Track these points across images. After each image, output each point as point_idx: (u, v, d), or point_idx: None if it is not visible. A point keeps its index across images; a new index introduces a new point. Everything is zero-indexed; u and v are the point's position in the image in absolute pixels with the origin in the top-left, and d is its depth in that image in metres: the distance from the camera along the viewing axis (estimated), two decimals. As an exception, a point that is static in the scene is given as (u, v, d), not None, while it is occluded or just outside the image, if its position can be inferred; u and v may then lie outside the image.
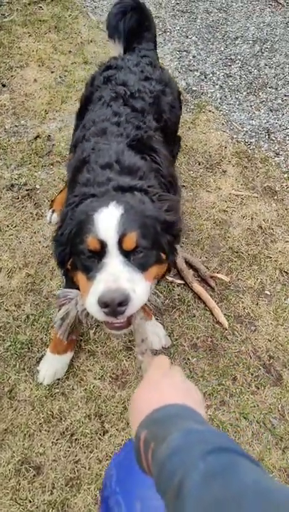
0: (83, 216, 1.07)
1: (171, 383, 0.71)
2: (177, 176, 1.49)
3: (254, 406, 1.58)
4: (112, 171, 1.20)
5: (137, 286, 0.99)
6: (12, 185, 2.06)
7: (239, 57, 2.98)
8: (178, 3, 3.39)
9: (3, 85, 2.53)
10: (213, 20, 3.25)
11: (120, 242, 0.98)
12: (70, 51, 2.81)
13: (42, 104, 2.45)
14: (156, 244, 1.08)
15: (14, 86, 2.54)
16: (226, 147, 2.43)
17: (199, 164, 2.32)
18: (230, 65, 2.92)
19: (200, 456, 0.52)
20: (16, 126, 2.34)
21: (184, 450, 0.54)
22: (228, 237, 2.04)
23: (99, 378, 1.59)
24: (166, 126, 1.56)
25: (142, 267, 1.02)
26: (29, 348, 1.64)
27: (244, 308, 1.82)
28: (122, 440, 1.48)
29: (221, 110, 2.66)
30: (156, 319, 1.72)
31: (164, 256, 1.12)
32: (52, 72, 2.66)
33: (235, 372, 1.65)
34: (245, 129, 2.55)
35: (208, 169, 2.31)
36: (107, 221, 1.00)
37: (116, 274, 0.97)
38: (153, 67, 1.65)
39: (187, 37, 3.09)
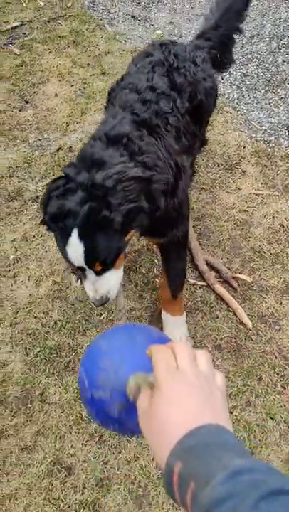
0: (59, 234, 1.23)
1: (184, 387, 0.59)
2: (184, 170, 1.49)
3: (281, 406, 1.57)
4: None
5: (111, 279, 1.27)
6: (37, 197, 2.15)
7: (256, 55, 2.96)
8: (192, 8, 3.42)
9: (27, 102, 2.64)
10: (228, 21, 3.25)
11: (90, 267, 1.22)
12: (88, 64, 2.90)
13: (63, 117, 2.54)
14: (117, 245, 1.23)
15: (37, 102, 2.64)
16: (244, 147, 2.42)
17: (218, 166, 2.33)
18: (247, 64, 2.90)
19: (253, 504, 0.46)
20: (39, 140, 2.44)
21: (234, 497, 0.47)
22: (250, 237, 2.04)
23: (125, 381, 1.63)
24: (198, 110, 1.58)
25: (112, 265, 1.25)
26: (57, 353, 1.70)
27: (268, 308, 1.81)
28: (149, 441, 1.51)
29: (238, 110, 2.66)
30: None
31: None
32: (72, 85, 2.75)
33: (261, 372, 1.65)
34: (264, 127, 2.53)
35: (228, 170, 2.31)
36: (76, 256, 1.20)
37: (94, 287, 1.26)
38: (204, 62, 1.70)
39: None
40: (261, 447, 1.50)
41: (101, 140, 1.29)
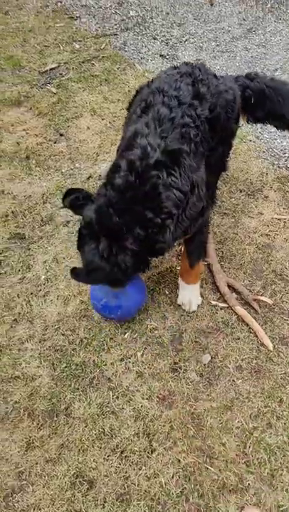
0: None
1: None
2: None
3: (302, 429, 1.56)
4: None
5: None
6: (68, 222, 2.29)
7: (279, 87, 3.07)
8: (218, 45, 3.61)
9: (61, 135, 2.85)
10: (252, 56, 3.41)
11: None
12: (118, 99, 3.10)
13: (94, 148, 2.72)
14: None
15: (70, 134, 2.84)
16: (267, 174, 2.50)
17: (241, 192, 2.41)
18: (270, 96, 3.01)
19: None
20: (71, 169, 2.61)
21: None
22: (271, 260, 2.08)
23: (146, 398, 1.68)
24: (217, 120, 1.70)
25: None
26: (82, 370, 1.78)
27: (289, 330, 1.83)
28: (170, 459, 1.54)
29: (261, 139, 2.75)
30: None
31: None
32: (103, 119, 2.94)
33: (282, 394, 1.65)
34: (287, 154, 2.61)
35: (250, 196, 2.38)
36: None
37: None
38: (225, 78, 1.87)
39: (227, 73, 3.26)
40: (282, 470, 1.49)
41: None
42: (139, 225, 1.45)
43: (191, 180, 1.52)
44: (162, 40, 3.75)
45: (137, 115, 1.63)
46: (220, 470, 1.51)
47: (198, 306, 1.93)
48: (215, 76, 1.80)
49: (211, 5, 4.25)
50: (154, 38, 3.78)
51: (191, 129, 1.56)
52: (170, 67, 1.90)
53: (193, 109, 1.60)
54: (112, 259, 1.47)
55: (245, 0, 4.32)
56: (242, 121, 2.04)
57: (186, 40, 3.77)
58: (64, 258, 2.16)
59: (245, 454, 1.54)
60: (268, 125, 2.65)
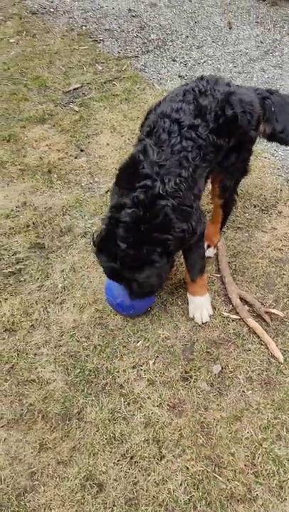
0: None
1: None
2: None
3: (312, 442, 1.56)
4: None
5: None
6: (85, 233, 2.38)
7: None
8: (235, 66, 3.72)
9: (82, 150, 2.97)
10: (268, 77, 3.50)
11: None
12: (137, 117, 3.22)
13: (112, 163, 2.82)
14: None
15: (90, 150, 2.96)
16: (281, 190, 2.54)
17: (255, 207, 2.46)
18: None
19: None
20: (90, 183, 2.71)
21: None
22: (284, 274, 2.10)
23: (157, 406, 1.71)
24: (227, 125, 1.79)
25: None
26: (95, 375, 1.82)
27: (301, 343, 1.84)
28: (178, 466, 1.56)
29: (276, 156, 2.81)
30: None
31: None
32: (122, 136, 3.06)
33: (292, 406, 1.66)
34: (301, 172, 2.65)
35: (264, 211, 2.43)
36: None
37: None
38: (240, 86, 1.97)
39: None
40: (291, 482, 1.49)
41: None
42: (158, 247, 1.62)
43: (192, 195, 1.66)
44: (181, 62, 3.89)
45: (140, 139, 1.77)
46: (228, 479, 1.52)
47: (210, 317, 1.96)
48: (228, 84, 1.89)
49: (230, 28, 4.39)
50: (174, 60, 3.92)
51: (189, 153, 1.67)
52: (179, 85, 1.99)
53: (193, 131, 1.71)
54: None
55: (262, 23, 4.45)
56: (260, 132, 2.07)
57: (205, 61, 3.90)
58: (81, 267, 2.23)
59: (254, 465, 1.54)
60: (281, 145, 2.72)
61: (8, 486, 1.53)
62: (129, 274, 1.63)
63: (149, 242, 1.61)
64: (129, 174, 1.69)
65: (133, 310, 1.92)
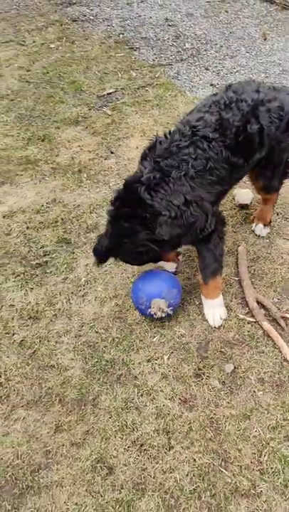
0: None
1: None
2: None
3: None
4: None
5: None
6: (110, 231, 2.47)
7: None
8: (267, 77, 3.76)
9: (112, 152, 3.08)
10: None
11: None
12: (167, 122, 3.31)
13: (140, 166, 2.91)
14: None
15: (120, 153, 3.07)
16: (305, 199, 2.57)
17: (277, 214, 2.49)
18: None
19: None
20: (118, 183, 2.81)
21: None
22: (302, 281, 2.13)
23: (169, 399, 1.77)
24: (248, 140, 1.82)
25: None
26: (112, 366, 1.90)
27: (315, 349, 1.86)
28: (186, 457, 1.61)
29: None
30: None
31: None
32: (151, 140, 3.15)
33: (301, 409, 1.69)
34: None
35: (286, 219, 2.46)
36: None
37: None
38: (270, 89, 1.94)
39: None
40: (295, 482, 1.52)
41: None
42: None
43: (183, 196, 1.71)
44: (214, 71, 3.97)
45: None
46: (234, 474, 1.56)
47: (226, 318, 2.01)
48: (257, 91, 1.89)
49: (265, 39, 4.44)
50: (207, 69, 4.01)
51: (192, 159, 1.73)
52: (210, 95, 2.05)
53: (206, 142, 1.75)
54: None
55: (298, 35, 4.48)
56: None
57: (237, 71, 3.96)
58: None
59: (260, 463, 1.58)
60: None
61: (24, 462, 1.62)
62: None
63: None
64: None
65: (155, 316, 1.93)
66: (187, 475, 1.56)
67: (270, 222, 2.36)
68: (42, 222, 2.53)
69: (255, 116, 1.84)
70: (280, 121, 1.89)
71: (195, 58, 4.17)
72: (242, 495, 1.51)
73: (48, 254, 2.37)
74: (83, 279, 2.26)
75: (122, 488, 1.54)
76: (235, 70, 3.97)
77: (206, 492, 1.52)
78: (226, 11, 5.02)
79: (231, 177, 1.90)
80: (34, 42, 4.34)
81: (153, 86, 3.73)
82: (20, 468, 1.60)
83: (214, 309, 1.98)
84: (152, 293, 1.88)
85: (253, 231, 2.39)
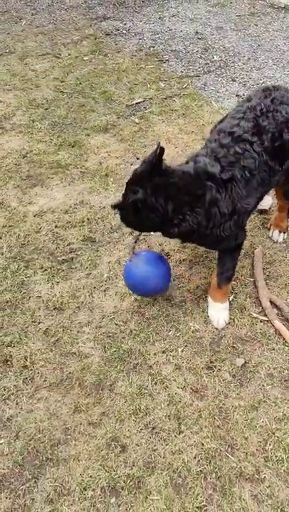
0: None
1: None
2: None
3: None
4: None
5: None
6: (132, 232, 2.62)
7: None
8: None
9: (138, 158, 3.24)
10: None
11: None
12: (192, 131, 3.45)
13: (164, 171, 3.06)
14: None
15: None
16: None
17: (295, 219, 2.56)
18: None
19: None
20: (142, 188, 2.97)
21: None
22: (316, 284, 2.20)
23: (181, 388, 1.88)
24: (282, 147, 1.87)
25: None
26: (129, 355, 2.03)
27: None
28: (194, 442, 1.71)
29: None
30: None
31: None
32: (176, 147, 3.30)
33: (308, 403, 1.76)
34: None
35: (304, 225, 2.53)
36: None
37: None
38: None
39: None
40: (298, 470, 1.59)
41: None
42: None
43: (234, 205, 1.76)
44: (240, 82, 4.09)
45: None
46: (239, 460, 1.65)
47: (239, 317, 2.10)
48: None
49: (292, 52, 4.53)
50: (233, 80, 4.13)
51: (243, 158, 1.78)
52: (243, 99, 2.10)
53: (248, 144, 1.81)
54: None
55: None
56: None
57: (263, 82, 4.06)
58: (126, 261, 2.46)
59: (265, 450, 1.66)
60: None
61: (45, 437, 1.76)
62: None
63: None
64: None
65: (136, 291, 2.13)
66: (195, 457, 1.66)
67: (287, 228, 2.44)
68: (69, 222, 2.71)
69: (288, 128, 1.90)
70: None
71: (222, 70, 4.31)
72: (246, 479, 1.60)
73: (74, 251, 2.54)
74: (105, 275, 2.40)
75: (133, 465, 1.65)
76: (261, 82, 4.08)
77: (212, 474, 1.61)
78: (256, 25, 5.14)
79: (271, 181, 1.95)
80: (69, 55, 4.60)
81: (180, 96, 3.89)
82: (42, 442, 1.75)
83: (220, 312, 2.06)
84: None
85: (270, 237, 2.48)
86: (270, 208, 2.63)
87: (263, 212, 2.63)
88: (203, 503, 1.54)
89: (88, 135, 3.43)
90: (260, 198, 2.01)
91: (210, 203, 1.73)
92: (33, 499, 1.59)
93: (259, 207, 2.61)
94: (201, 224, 1.76)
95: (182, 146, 3.28)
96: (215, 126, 2.06)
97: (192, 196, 1.72)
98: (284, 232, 2.43)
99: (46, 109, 3.75)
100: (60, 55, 4.59)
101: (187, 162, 1.89)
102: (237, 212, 1.81)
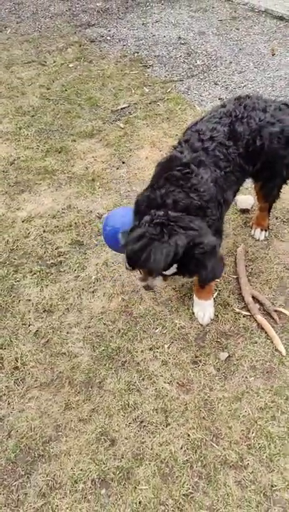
0: None
1: None
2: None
3: (303, 424, 1.73)
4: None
5: None
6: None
7: None
8: (273, 90, 3.94)
9: (123, 162, 3.32)
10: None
11: None
12: (176, 134, 3.53)
13: (149, 174, 3.10)
14: None
15: (131, 162, 3.30)
16: (303, 204, 2.72)
17: (276, 218, 2.66)
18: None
19: None
20: (128, 191, 3.04)
21: None
22: (296, 279, 2.28)
23: (168, 383, 1.95)
24: (254, 153, 1.94)
25: None
26: (117, 353, 2.10)
27: (304, 340, 2.01)
28: (181, 433, 1.78)
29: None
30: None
31: None
32: (160, 151, 3.38)
33: None
34: None
35: (285, 222, 2.62)
36: None
37: None
38: (277, 110, 2.03)
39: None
40: (280, 456, 1.66)
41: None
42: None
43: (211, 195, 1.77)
44: (223, 86, 4.19)
45: (175, 146, 1.98)
46: (224, 448, 1.72)
47: (223, 313, 2.18)
48: (264, 110, 2.00)
49: (273, 55, 4.64)
50: (216, 84, 4.23)
51: (220, 160, 1.85)
52: (218, 105, 2.18)
53: (225, 148, 1.87)
54: None
55: (305, 50, 4.66)
56: None
57: (245, 85, 4.17)
58: (113, 263, 2.54)
59: (248, 438, 1.73)
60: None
61: (36, 434, 1.82)
62: None
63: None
64: (165, 168, 1.85)
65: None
66: (181, 448, 1.73)
67: (268, 226, 2.52)
68: (57, 226, 2.77)
69: (260, 135, 1.97)
70: (279, 142, 2.02)
71: (205, 74, 4.41)
72: (230, 466, 1.67)
73: (62, 255, 2.60)
74: (93, 277, 2.47)
75: (122, 458, 1.72)
76: (243, 85, 4.18)
77: (198, 463, 1.68)
78: (237, 29, 5.26)
79: (239, 182, 2.02)
80: (54, 62, 4.68)
81: (164, 101, 3.98)
82: (33, 440, 1.80)
83: (205, 309, 2.14)
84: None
85: (252, 235, 2.56)
86: (252, 208, 2.72)
87: (245, 211, 2.72)
88: (190, 491, 1.61)
89: (74, 141, 3.50)
90: (236, 192, 2.07)
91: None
92: (26, 494, 1.65)
93: (241, 206, 2.70)
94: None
95: (167, 149, 3.35)
96: (188, 128, 2.12)
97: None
98: (265, 231, 2.51)
99: (33, 116, 3.81)
100: (45, 62, 4.66)
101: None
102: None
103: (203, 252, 1.58)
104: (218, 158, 1.86)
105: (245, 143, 1.93)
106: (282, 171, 2.19)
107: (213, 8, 5.79)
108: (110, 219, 2.09)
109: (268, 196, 2.33)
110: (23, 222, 2.81)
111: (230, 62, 4.56)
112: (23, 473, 1.71)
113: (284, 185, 2.32)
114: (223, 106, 2.08)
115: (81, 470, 1.69)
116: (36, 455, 1.76)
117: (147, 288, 1.84)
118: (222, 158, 1.87)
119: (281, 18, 5.34)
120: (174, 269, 1.67)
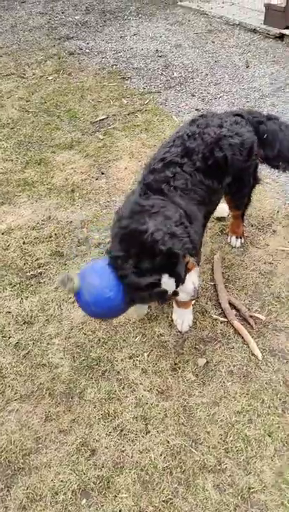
0: None
1: None
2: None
3: (279, 427, 1.77)
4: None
5: None
6: (99, 244, 2.72)
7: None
8: (248, 101, 4.06)
9: (102, 173, 3.36)
10: (277, 111, 3.81)
11: None
12: (154, 145, 3.59)
13: (128, 184, 3.18)
14: None
15: (110, 173, 3.35)
16: (278, 212, 2.81)
17: (252, 226, 2.73)
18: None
19: None
20: (107, 201, 3.08)
21: None
22: (271, 284, 2.34)
23: (148, 390, 1.97)
24: (216, 165, 1.96)
25: None
26: (97, 363, 2.11)
27: (279, 344, 2.07)
28: (160, 440, 1.80)
29: (277, 182, 3.08)
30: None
31: None
32: (139, 161, 3.43)
33: (264, 396, 1.88)
34: (298, 196, 2.91)
35: (260, 229, 2.69)
36: None
37: None
38: (234, 124, 2.08)
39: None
40: (256, 459, 1.70)
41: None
42: None
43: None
44: (199, 97, 4.29)
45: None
46: (202, 453, 1.75)
47: (201, 319, 2.22)
48: (220, 126, 2.05)
49: (247, 67, 4.78)
50: (193, 95, 4.33)
51: (171, 179, 1.85)
52: (173, 132, 2.15)
53: (179, 167, 1.88)
54: None
55: (278, 62, 4.82)
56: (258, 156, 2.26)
57: (220, 97, 4.28)
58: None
59: (226, 442, 1.76)
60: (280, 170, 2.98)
61: (16, 447, 1.82)
62: None
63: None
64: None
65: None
66: (161, 454, 1.75)
67: (243, 233, 2.59)
68: (37, 238, 2.79)
69: (219, 147, 1.99)
70: (242, 154, 2.07)
71: (182, 86, 4.51)
72: (209, 470, 1.69)
73: (42, 266, 2.62)
74: (74, 287, 2.48)
75: (102, 467, 1.73)
76: (218, 96, 4.29)
77: (177, 469, 1.71)
78: (213, 41, 5.40)
79: (209, 200, 2.01)
80: (34, 74, 4.72)
81: (142, 112, 4.05)
82: (13, 453, 1.80)
83: (184, 317, 2.16)
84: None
85: (229, 243, 2.62)
86: (228, 215, 2.79)
87: (221, 219, 2.79)
88: (169, 497, 1.63)
89: (54, 152, 3.53)
90: (208, 214, 2.10)
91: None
92: (6, 507, 1.64)
93: (217, 215, 2.76)
94: None
95: (145, 159, 3.41)
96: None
97: None
98: (241, 238, 2.58)
99: (12, 128, 3.84)
100: (24, 75, 4.70)
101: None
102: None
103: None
104: (168, 177, 1.86)
105: (202, 157, 1.94)
106: (249, 181, 2.28)
107: (189, 21, 5.94)
108: (82, 292, 1.77)
109: (239, 205, 2.40)
110: (2, 234, 2.82)
111: (206, 74, 4.67)
112: (2, 487, 1.71)
113: (253, 190, 2.40)
114: (179, 130, 2.10)
115: (61, 481, 1.70)
116: (16, 468, 1.76)
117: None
118: (172, 176, 1.86)
119: (255, 31, 5.51)
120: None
